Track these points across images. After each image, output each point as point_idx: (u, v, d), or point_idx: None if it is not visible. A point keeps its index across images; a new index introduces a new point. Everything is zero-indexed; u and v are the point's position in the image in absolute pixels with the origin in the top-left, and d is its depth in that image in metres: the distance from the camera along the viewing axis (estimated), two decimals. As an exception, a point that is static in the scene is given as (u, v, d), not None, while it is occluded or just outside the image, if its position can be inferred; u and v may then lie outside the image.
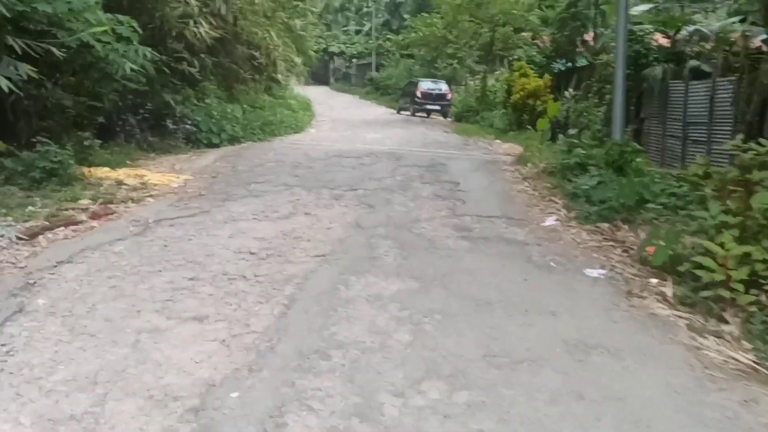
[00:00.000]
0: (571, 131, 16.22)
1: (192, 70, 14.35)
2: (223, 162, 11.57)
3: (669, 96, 14.78)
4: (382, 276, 4.97)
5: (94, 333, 3.84)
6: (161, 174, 10.01)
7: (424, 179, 9.57)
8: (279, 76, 21.76)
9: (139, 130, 13.04)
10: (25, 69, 7.64)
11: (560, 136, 16.24)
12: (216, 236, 6.24)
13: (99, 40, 9.25)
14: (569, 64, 23.76)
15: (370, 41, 51.77)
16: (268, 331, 3.87)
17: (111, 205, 7.57)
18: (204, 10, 14.57)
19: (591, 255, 5.72)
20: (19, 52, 7.75)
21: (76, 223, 6.61)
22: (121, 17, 9.94)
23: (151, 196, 8.42)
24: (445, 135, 18.64)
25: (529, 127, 18.00)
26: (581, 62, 24.12)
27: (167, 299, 4.43)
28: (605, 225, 6.53)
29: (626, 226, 6.49)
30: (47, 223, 6.43)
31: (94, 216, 6.96)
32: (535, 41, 25.52)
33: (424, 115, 31.06)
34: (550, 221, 6.85)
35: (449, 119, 29.41)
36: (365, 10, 58.71)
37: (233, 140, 15.03)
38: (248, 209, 7.49)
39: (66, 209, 7.15)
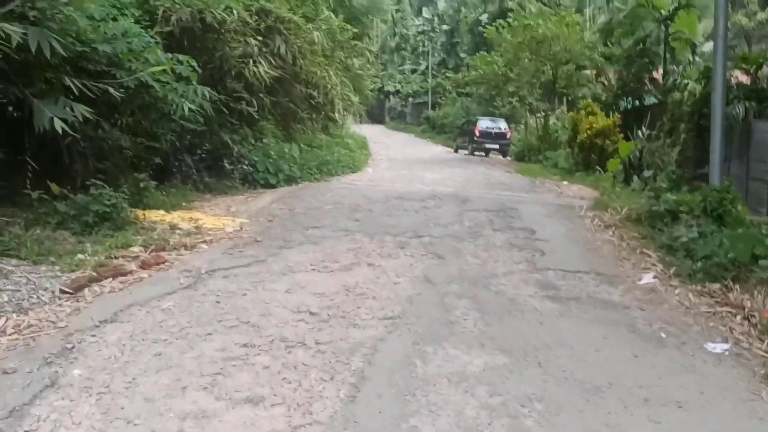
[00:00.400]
0: (646, 173, 15.28)
1: (250, 109, 14.12)
2: (279, 204, 11.13)
3: (752, 136, 13.72)
4: (464, 347, 4.26)
5: (132, 418, 3.25)
6: (216, 217, 9.60)
7: (495, 225, 8.84)
8: (336, 115, 21.50)
9: (196, 170, 12.79)
10: (81, 110, 7.35)
11: (634, 177, 15.32)
12: (272, 291, 5.66)
13: (158, 80, 9.01)
14: (636, 103, 22.81)
15: (426, 80, 51.69)
16: (335, 423, 3.21)
17: (163, 253, 7.12)
18: (264, 49, 14.39)
19: (706, 323, 4.87)
20: (76, 93, 7.49)
21: (125, 273, 6.14)
22: (180, 57, 9.73)
23: (205, 242, 7.96)
24: (508, 175, 17.87)
25: (598, 168, 17.09)
26: (650, 100, 23.13)
27: (217, 372, 3.82)
28: (715, 285, 5.65)
29: (738, 287, 5.60)
30: (95, 273, 5.98)
31: (145, 265, 6.50)
32: (600, 79, 24.65)
33: (483, 154, 30.37)
34: (647, 279, 6.00)
35: (509, 158, 28.64)
36: (421, 49, 58.96)
37: (290, 180, 14.66)
38: (306, 258, 6.92)
39: (116, 257, 6.73)
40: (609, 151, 17.50)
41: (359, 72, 24.14)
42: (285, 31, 15.31)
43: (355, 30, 24.78)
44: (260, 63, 13.88)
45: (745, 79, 15.59)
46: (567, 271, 6.31)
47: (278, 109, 17.93)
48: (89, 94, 7.69)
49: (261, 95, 14.98)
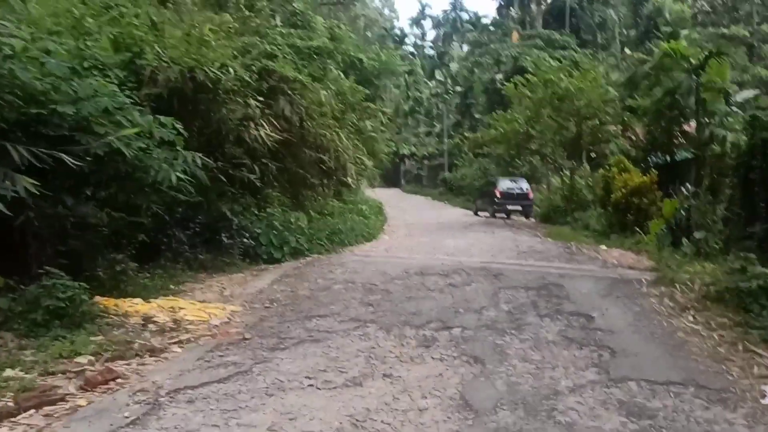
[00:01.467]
0: (698, 234, 13.57)
1: (252, 176, 12.77)
2: (281, 284, 9.57)
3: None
4: None
5: None
6: (203, 305, 8.03)
7: (541, 310, 7.15)
8: (349, 180, 20.15)
9: (189, 246, 11.32)
10: (24, 183, 5.95)
11: (683, 240, 13.60)
12: (249, 428, 4.03)
13: (136, 147, 7.68)
14: (667, 158, 21.34)
15: (441, 142, 50.79)
16: None
17: (120, 362, 5.53)
18: (267, 111, 13.20)
19: None
20: (19, 162, 6.10)
21: (54, 401, 4.54)
22: (163, 119, 8.41)
23: (179, 342, 6.37)
24: (538, 240, 16.15)
25: (636, 229, 15.39)
26: (682, 155, 21.67)
27: None
28: None
29: None
30: (12, 404, 4.40)
31: (88, 384, 4.89)
32: (627, 134, 23.27)
33: (504, 216, 28.80)
34: (774, 395, 4.30)
35: (533, 220, 27.02)
36: (435, 111, 58.39)
37: (297, 254, 13.13)
38: (304, 366, 5.29)
39: (54, 372, 5.15)
40: (648, 211, 15.86)
41: (372, 134, 22.98)
42: (290, 92, 14.17)
43: (366, 92, 23.82)
44: (262, 126, 12.64)
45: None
46: (655, 382, 4.60)
47: (285, 176, 16.66)
48: (39, 164, 6.31)
49: (264, 161, 13.69)
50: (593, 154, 26.17)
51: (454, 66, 59.78)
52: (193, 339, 6.52)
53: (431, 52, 74.39)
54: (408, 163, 58.66)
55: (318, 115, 16.67)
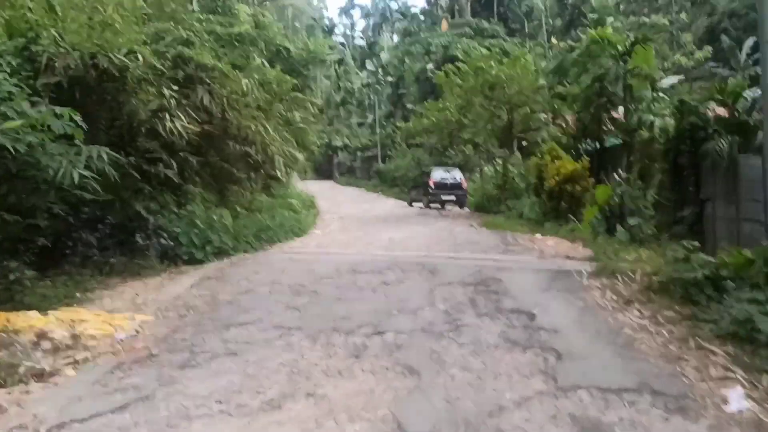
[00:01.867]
0: (631, 221, 13.53)
1: (169, 172, 11.85)
2: (201, 288, 8.78)
3: (740, 173, 12.21)
4: None
5: None
6: (109, 316, 7.17)
7: (480, 308, 6.67)
8: (278, 173, 19.32)
9: (99, 249, 10.33)
10: None
11: (617, 227, 13.53)
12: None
13: (27, 142, 6.79)
14: (597, 145, 21.51)
15: (374, 133, 50.26)
16: None
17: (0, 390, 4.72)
18: (184, 102, 12.29)
19: None
20: None
21: None
22: (60, 110, 7.48)
23: (75, 362, 5.57)
24: (473, 231, 15.81)
25: (570, 217, 15.30)
26: (611, 142, 21.88)
27: None
28: None
29: None
30: None
31: (-51, 425, 4.09)
32: (557, 121, 23.34)
33: (439, 206, 28.56)
34: (736, 400, 3.91)
35: (467, 210, 26.86)
36: (367, 102, 57.79)
37: (221, 254, 12.29)
38: (216, 387, 4.61)
39: None
40: (581, 198, 15.80)
41: (302, 126, 22.16)
42: (209, 81, 13.27)
43: (295, 81, 22.96)
44: (179, 117, 11.72)
45: (724, 112, 14.25)
46: (607, 390, 4.16)
47: (208, 170, 15.74)
48: None
49: (183, 155, 12.79)
50: (524, 143, 26.18)
51: (384, 56, 59.22)
52: (91, 358, 5.72)
53: (361, 42, 73.71)
54: (341, 155, 57.88)
55: (242, 105, 15.83)
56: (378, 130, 49.00)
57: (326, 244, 14.09)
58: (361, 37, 75.80)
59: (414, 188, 31.05)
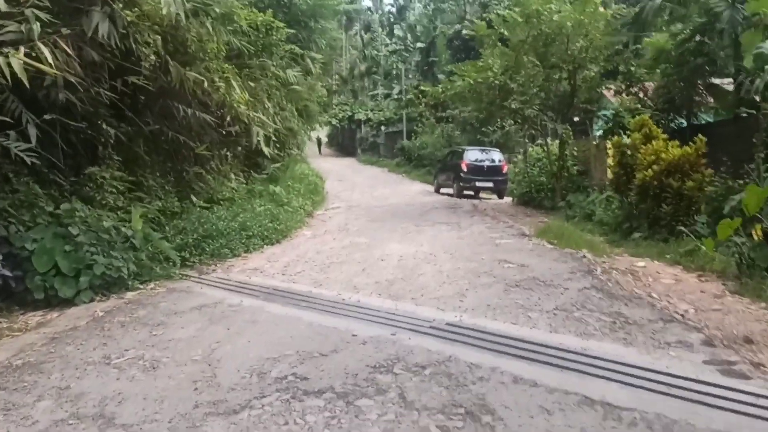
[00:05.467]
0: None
1: (19, 146, 6.97)
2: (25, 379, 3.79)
3: None
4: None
5: None
6: None
7: None
8: (265, 150, 14.22)
9: None
10: None
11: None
12: None
13: None
14: (682, 122, 16.02)
15: (401, 107, 44.71)
16: None
17: None
18: (65, 30, 7.42)
19: None
20: None
21: None
22: None
23: None
24: (529, 248, 10.29)
25: (682, 229, 9.92)
26: (710, 117, 16.33)
27: None
28: None
29: None
30: None
31: None
32: (631, 88, 17.76)
33: (472, 194, 23.28)
34: None
35: (507, 200, 21.54)
36: (394, 72, 52.15)
37: (110, 286, 7.36)
38: None
39: None
40: (693, 199, 10.42)
41: (295, 87, 17.02)
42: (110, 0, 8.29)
43: (292, 30, 17.76)
44: (46, 53, 6.81)
45: None
46: None
47: (152, 145, 10.94)
48: None
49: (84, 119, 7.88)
50: (576, 118, 20.67)
51: (413, 17, 53.42)
52: None
53: (391, 8, 67.69)
54: (363, 129, 52.53)
55: (200, 53, 10.81)
56: (404, 101, 43.39)
57: (297, 268, 8.93)
58: (391, 5, 69.64)
59: (442, 171, 25.69)
